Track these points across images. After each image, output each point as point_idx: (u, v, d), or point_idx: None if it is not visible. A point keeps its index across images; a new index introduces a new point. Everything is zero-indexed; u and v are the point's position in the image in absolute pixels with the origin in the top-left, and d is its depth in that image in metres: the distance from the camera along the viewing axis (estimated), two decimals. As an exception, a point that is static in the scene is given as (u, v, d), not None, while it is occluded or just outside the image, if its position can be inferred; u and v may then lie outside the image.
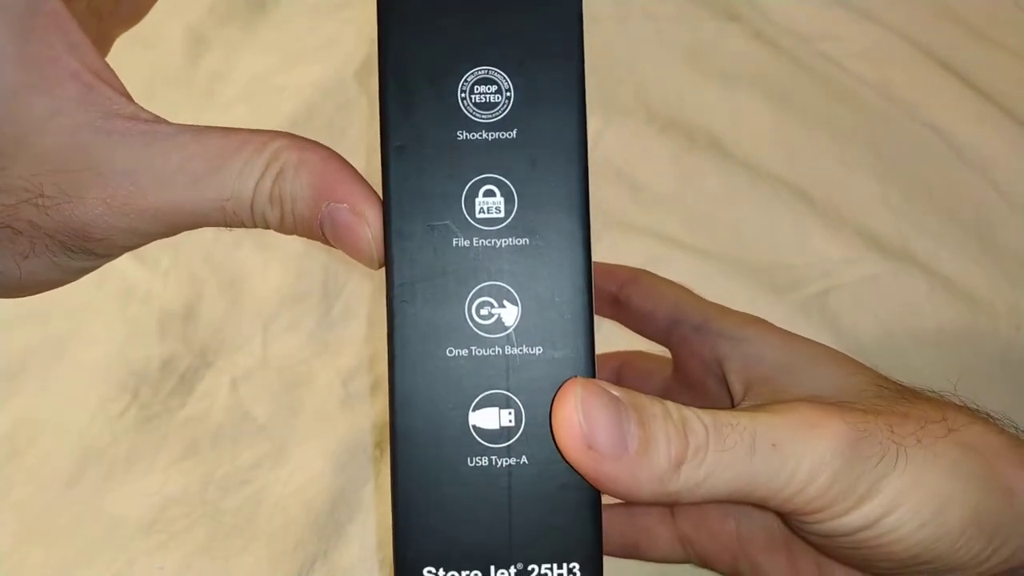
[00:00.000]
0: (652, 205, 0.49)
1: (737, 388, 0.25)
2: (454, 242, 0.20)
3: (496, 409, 0.20)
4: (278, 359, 0.44)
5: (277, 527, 0.39)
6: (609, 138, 0.51)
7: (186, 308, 0.47)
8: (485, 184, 0.20)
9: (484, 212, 0.20)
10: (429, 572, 0.20)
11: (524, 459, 0.20)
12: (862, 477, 0.19)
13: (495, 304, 0.20)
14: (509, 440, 0.20)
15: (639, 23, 0.57)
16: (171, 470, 0.40)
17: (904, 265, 0.46)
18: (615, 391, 0.20)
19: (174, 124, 0.20)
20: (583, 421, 0.19)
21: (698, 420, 0.20)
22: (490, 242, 0.20)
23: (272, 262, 0.48)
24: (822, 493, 0.19)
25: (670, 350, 0.30)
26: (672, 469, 0.19)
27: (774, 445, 0.19)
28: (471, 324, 0.20)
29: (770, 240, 0.48)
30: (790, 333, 0.26)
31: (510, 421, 0.20)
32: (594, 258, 0.21)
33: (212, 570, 0.38)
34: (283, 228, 0.21)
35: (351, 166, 0.21)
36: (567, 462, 0.20)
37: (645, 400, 0.20)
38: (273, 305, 0.47)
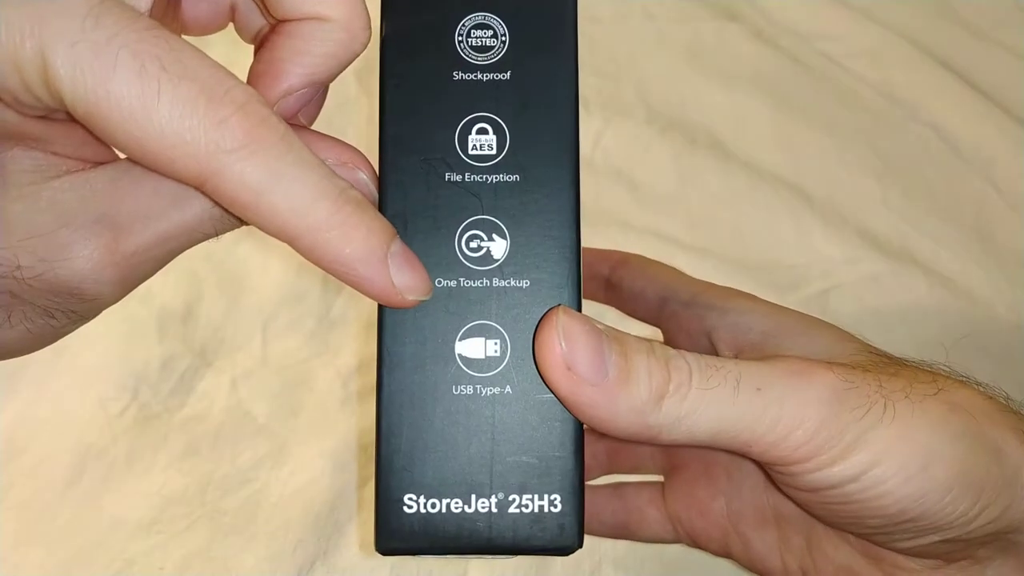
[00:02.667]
0: (652, 205, 0.49)
1: (726, 355, 0.25)
2: (447, 176, 0.21)
3: (483, 339, 0.21)
4: (278, 359, 0.44)
5: (277, 527, 0.39)
6: (609, 138, 0.51)
7: (186, 307, 0.47)
8: (478, 122, 0.21)
9: (477, 149, 0.21)
10: (410, 499, 0.20)
11: (508, 388, 0.21)
12: (848, 427, 0.19)
13: (484, 238, 0.21)
14: (494, 370, 0.21)
15: (639, 23, 0.57)
16: (171, 470, 0.40)
17: (904, 265, 0.46)
18: (599, 325, 0.20)
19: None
20: (564, 344, 0.19)
21: (681, 358, 0.20)
22: (482, 178, 0.21)
23: (272, 261, 0.48)
24: (807, 441, 0.19)
25: (661, 329, 0.30)
26: (653, 402, 0.19)
27: (759, 389, 0.19)
28: (460, 256, 0.21)
29: (770, 240, 0.48)
30: (775, 304, 0.26)
31: (496, 351, 0.21)
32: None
33: (212, 570, 0.38)
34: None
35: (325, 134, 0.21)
36: (548, 388, 0.20)
37: (629, 336, 0.20)
38: (273, 305, 0.47)
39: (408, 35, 0.21)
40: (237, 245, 0.47)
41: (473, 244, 0.21)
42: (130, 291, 0.20)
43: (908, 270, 0.46)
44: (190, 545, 0.38)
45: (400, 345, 0.21)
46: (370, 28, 0.19)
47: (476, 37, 0.21)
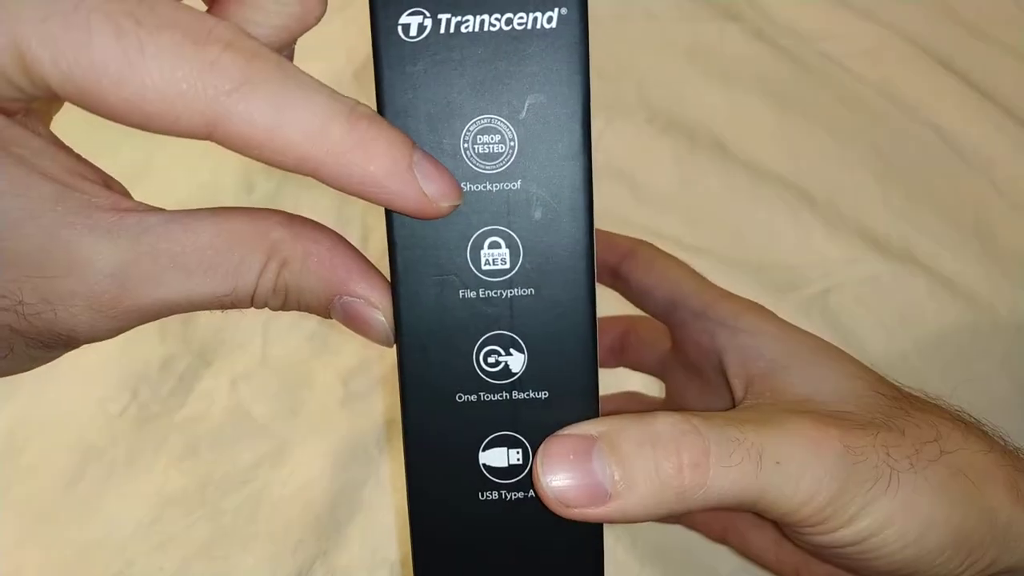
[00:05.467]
0: (653, 204, 0.49)
1: (737, 385, 0.25)
2: (461, 294, 0.20)
3: (504, 449, 0.21)
4: (278, 359, 0.44)
5: (277, 527, 0.39)
6: (610, 138, 0.51)
7: (186, 308, 0.47)
8: (490, 236, 0.20)
9: (490, 264, 0.20)
10: None
11: (532, 492, 0.21)
12: (855, 499, 0.20)
13: (502, 352, 0.21)
14: (517, 476, 0.21)
15: (639, 23, 0.57)
16: (171, 470, 0.40)
17: (904, 265, 0.46)
18: (595, 429, 0.20)
19: (161, 212, 0.19)
20: (554, 485, 0.20)
21: (698, 434, 0.20)
22: (496, 293, 0.20)
23: (272, 262, 0.48)
24: (818, 511, 0.20)
25: (669, 329, 0.30)
26: (666, 495, 0.19)
27: (778, 463, 0.20)
28: (479, 372, 0.21)
29: (770, 240, 0.48)
30: (788, 324, 0.26)
31: (518, 459, 0.21)
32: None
33: (212, 570, 0.38)
34: (285, 309, 0.21)
35: (357, 251, 0.21)
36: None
37: (630, 429, 0.20)
38: (273, 305, 0.47)
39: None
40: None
41: (491, 359, 0.21)
42: (128, 329, 0.20)
43: (908, 270, 0.46)
44: (190, 545, 0.38)
45: (426, 458, 0.21)
46: (325, 2, 0.18)
47: (483, 143, 0.20)
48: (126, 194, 0.19)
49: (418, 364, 0.21)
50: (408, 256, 0.20)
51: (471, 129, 0.20)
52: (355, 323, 0.20)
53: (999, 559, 0.21)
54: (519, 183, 0.20)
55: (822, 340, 0.26)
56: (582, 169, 0.20)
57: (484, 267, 0.20)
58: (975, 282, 0.46)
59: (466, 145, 0.20)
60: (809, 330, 0.26)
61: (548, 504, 0.20)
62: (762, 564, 0.27)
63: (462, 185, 0.20)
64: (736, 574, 0.36)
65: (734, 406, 0.25)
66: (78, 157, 0.19)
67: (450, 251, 0.20)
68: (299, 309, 0.21)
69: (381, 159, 0.17)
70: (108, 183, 0.19)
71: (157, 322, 0.49)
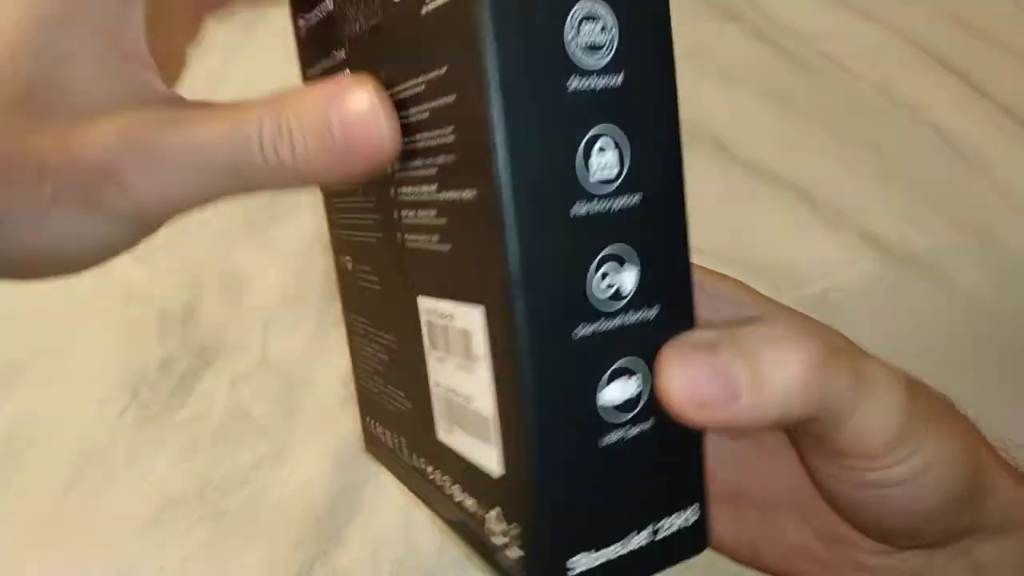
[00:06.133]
0: (652, 205, 0.49)
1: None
2: (571, 213, 0.18)
3: (622, 380, 0.19)
4: (278, 359, 0.44)
5: (277, 527, 0.39)
6: (609, 138, 0.51)
7: (185, 308, 0.47)
8: (599, 138, 0.18)
9: (599, 171, 0.18)
10: (580, 556, 0.19)
11: (651, 421, 0.19)
12: (914, 436, 0.20)
13: (616, 269, 0.19)
14: (637, 407, 0.19)
15: (639, 23, 0.57)
16: (171, 470, 0.40)
17: (904, 265, 0.46)
18: (711, 334, 0.19)
19: (198, 104, 0.20)
20: (684, 394, 0.19)
21: (816, 338, 0.20)
22: (606, 205, 0.18)
23: (272, 262, 0.48)
24: (887, 442, 0.20)
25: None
26: (792, 389, 0.19)
27: (871, 384, 0.20)
28: (594, 298, 0.18)
29: (770, 240, 0.48)
30: (761, 295, 0.25)
31: (637, 388, 0.19)
32: None
33: (212, 570, 0.38)
34: (296, 159, 0.19)
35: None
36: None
37: (748, 331, 0.20)
38: (273, 305, 0.47)
39: (512, 36, 0.17)
40: (237, 245, 0.47)
41: (605, 282, 0.19)
42: (164, 211, 0.20)
43: (908, 270, 0.46)
44: (190, 545, 0.38)
45: (547, 411, 0.18)
46: None
47: (586, 33, 0.18)
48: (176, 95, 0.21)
49: (533, 306, 0.18)
50: (517, 170, 0.17)
51: (576, 14, 0.17)
52: (353, 131, 0.19)
53: (987, 510, 0.22)
54: (622, 76, 0.18)
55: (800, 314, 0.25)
56: (670, 52, 0.19)
57: (593, 177, 0.18)
58: (975, 282, 0.46)
59: (570, 36, 0.18)
60: None
61: (681, 411, 0.19)
62: (717, 546, 0.27)
63: (568, 83, 0.18)
64: None
65: None
66: (147, 56, 0.21)
67: (561, 159, 0.18)
68: (304, 147, 0.19)
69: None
70: (161, 85, 0.21)
71: (157, 323, 0.49)
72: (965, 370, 0.42)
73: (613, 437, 0.19)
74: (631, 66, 0.18)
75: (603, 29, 0.18)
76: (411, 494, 0.25)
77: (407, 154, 0.20)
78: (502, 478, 0.19)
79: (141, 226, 0.20)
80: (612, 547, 0.19)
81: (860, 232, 0.48)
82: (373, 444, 0.28)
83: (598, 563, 0.19)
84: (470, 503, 0.21)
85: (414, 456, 0.24)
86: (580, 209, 0.18)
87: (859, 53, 0.55)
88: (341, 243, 0.27)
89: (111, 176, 0.19)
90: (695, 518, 0.21)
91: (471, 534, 0.21)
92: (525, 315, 0.18)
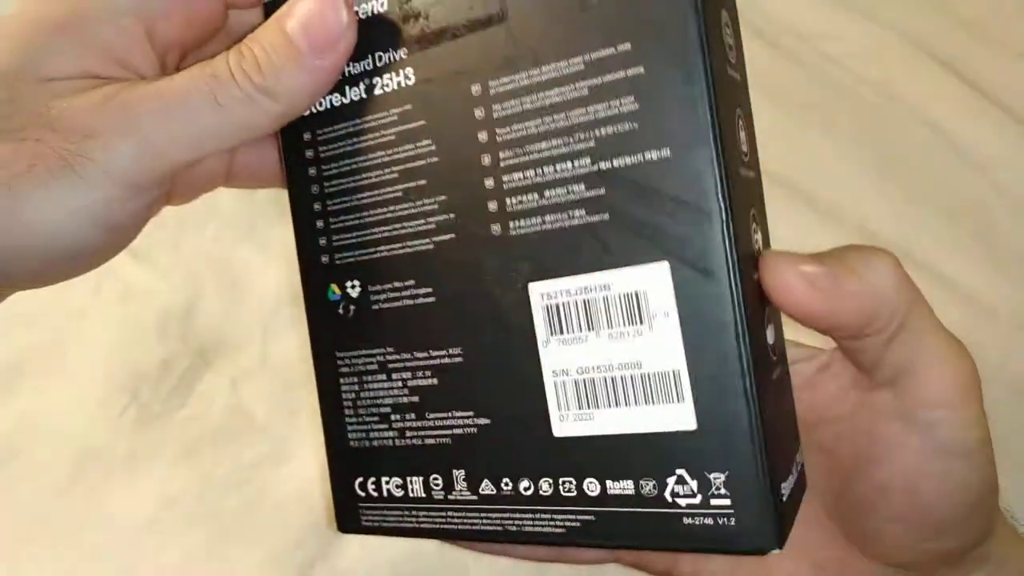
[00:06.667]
0: (652, 205, 0.49)
1: None
2: (740, 173, 0.21)
3: (771, 324, 0.22)
4: (278, 359, 0.44)
5: (277, 527, 0.39)
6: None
7: (185, 308, 0.47)
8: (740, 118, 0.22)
9: (744, 146, 0.22)
10: (782, 486, 0.21)
11: (782, 366, 0.23)
12: (979, 399, 0.23)
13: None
14: (778, 351, 0.22)
15: (639, 23, 0.57)
16: (171, 470, 0.40)
17: (904, 265, 0.46)
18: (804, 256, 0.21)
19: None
20: (793, 273, 0.20)
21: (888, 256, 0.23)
22: (749, 172, 0.22)
23: (272, 262, 0.48)
24: (964, 386, 0.22)
25: None
26: (885, 282, 0.22)
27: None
28: (757, 243, 0.22)
29: (770, 240, 0.48)
30: None
31: (774, 333, 0.22)
32: None
33: (212, 570, 0.38)
34: (266, 76, 0.20)
35: None
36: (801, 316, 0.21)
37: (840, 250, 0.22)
38: (273, 305, 0.47)
39: (707, 18, 0.20)
40: (237, 245, 0.47)
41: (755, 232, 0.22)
42: (147, 170, 0.20)
43: (908, 270, 0.46)
44: (190, 545, 0.38)
45: (751, 341, 0.20)
46: None
47: (728, 34, 0.22)
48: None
49: (733, 253, 0.19)
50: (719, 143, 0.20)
51: (724, 17, 0.23)
52: (311, 25, 0.21)
53: (984, 528, 0.23)
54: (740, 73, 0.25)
55: None
56: None
57: (743, 145, 0.22)
58: (975, 282, 0.46)
59: (727, 32, 0.23)
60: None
61: (788, 291, 0.20)
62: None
63: (727, 71, 0.22)
64: None
65: None
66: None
67: (733, 135, 0.21)
68: (266, 63, 0.21)
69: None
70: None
71: (156, 322, 0.49)
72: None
73: (775, 374, 0.21)
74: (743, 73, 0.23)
75: (731, 33, 0.22)
76: (453, 542, 0.24)
77: (531, 137, 0.21)
78: (695, 432, 0.20)
79: (129, 188, 0.20)
80: (789, 479, 0.21)
81: (860, 232, 0.48)
82: (374, 510, 0.26)
83: (786, 494, 0.20)
84: (620, 485, 0.21)
85: (486, 483, 0.23)
86: (745, 172, 0.21)
87: (859, 53, 0.55)
88: (337, 269, 0.24)
89: (93, 136, 0.19)
90: (802, 460, 0.23)
91: (608, 527, 0.21)
92: (728, 261, 0.19)
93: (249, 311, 0.46)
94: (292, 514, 0.39)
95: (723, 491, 0.20)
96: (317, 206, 0.24)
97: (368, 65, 0.23)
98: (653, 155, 0.19)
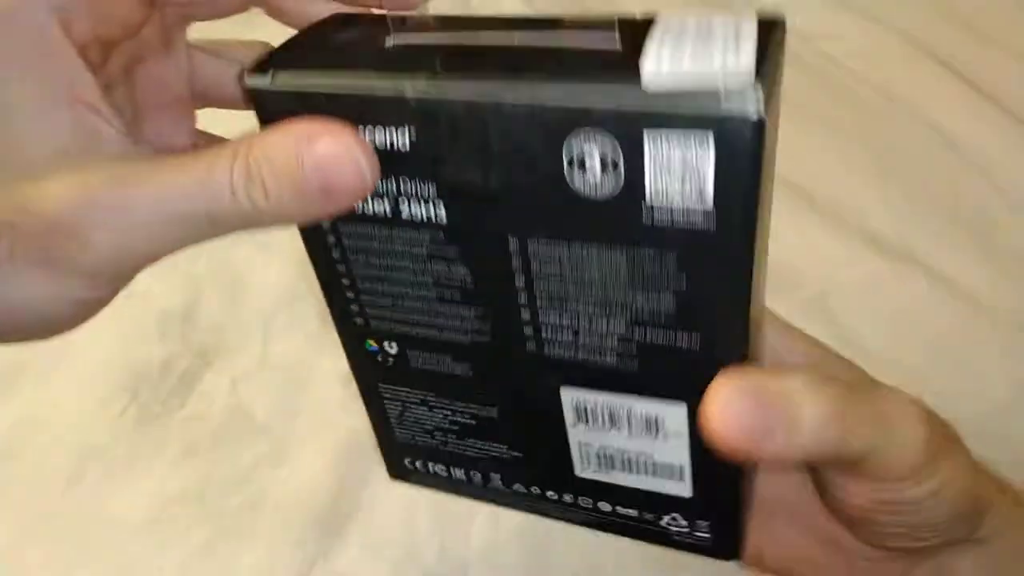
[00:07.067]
0: (652, 205, 0.49)
1: None
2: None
3: None
4: (278, 359, 0.44)
5: (277, 527, 0.39)
6: (609, 138, 0.51)
7: (185, 308, 0.47)
8: None
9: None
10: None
11: None
12: (936, 457, 0.22)
13: None
14: None
15: (639, 23, 0.57)
16: (171, 470, 0.40)
17: (904, 265, 0.46)
18: (754, 378, 0.21)
19: (159, 156, 0.20)
20: (726, 424, 0.20)
21: (827, 398, 0.21)
22: None
23: (272, 262, 0.48)
24: (911, 469, 0.21)
25: None
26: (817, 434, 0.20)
27: (888, 422, 0.21)
28: None
29: (770, 240, 0.48)
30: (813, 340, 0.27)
31: None
32: None
33: (212, 570, 0.38)
34: (270, 202, 0.19)
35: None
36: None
37: (790, 381, 0.21)
38: (273, 305, 0.47)
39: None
40: (237, 246, 0.47)
41: None
42: (126, 261, 0.20)
43: (908, 270, 0.46)
44: (190, 545, 0.38)
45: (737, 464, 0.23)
46: None
47: (766, 219, 0.23)
48: (130, 140, 0.21)
49: None
50: None
51: None
52: (330, 170, 0.19)
53: (981, 525, 0.24)
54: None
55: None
56: None
57: None
58: (975, 282, 0.46)
59: None
60: (808, 330, 0.26)
61: (723, 441, 0.20)
62: None
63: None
64: None
65: None
66: (100, 96, 0.20)
67: None
68: (285, 201, 0.20)
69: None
70: (121, 128, 0.20)
71: (157, 322, 0.49)
72: (965, 371, 0.42)
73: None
74: None
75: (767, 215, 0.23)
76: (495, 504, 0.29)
77: (569, 296, 0.22)
78: (689, 498, 0.24)
79: (110, 282, 0.20)
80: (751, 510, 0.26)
81: (860, 232, 0.48)
82: (420, 475, 0.29)
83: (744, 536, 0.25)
84: (628, 511, 0.26)
85: (517, 486, 0.27)
86: (757, 313, 0.22)
87: (859, 53, 0.55)
88: (373, 331, 0.25)
89: (73, 235, 0.19)
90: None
91: (618, 528, 0.27)
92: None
93: (249, 311, 0.46)
94: (292, 514, 0.39)
95: (705, 530, 0.25)
96: (345, 280, 0.24)
97: (394, 187, 0.21)
98: (684, 339, 0.21)
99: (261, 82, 0.20)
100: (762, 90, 0.17)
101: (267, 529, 0.39)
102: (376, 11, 0.21)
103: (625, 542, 0.39)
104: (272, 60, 0.20)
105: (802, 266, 0.46)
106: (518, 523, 0.38)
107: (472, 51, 0.20)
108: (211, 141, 0.25)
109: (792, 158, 0.54)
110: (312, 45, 0.21)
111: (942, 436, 0.22)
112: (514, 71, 0.19)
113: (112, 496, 0.39)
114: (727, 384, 0.20)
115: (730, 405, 0.20)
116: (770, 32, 0.20)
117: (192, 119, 0.25)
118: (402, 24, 0.21)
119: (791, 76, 0.56)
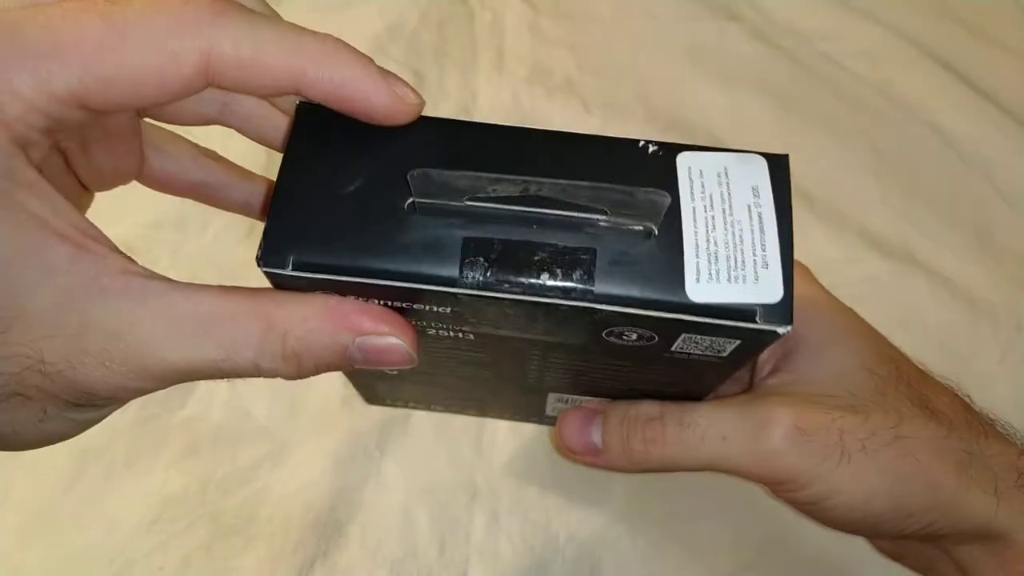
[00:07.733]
0: (652, 205, 0.49)
1: (764, 363, 0.29)
2: None
3: None
4: (278, 359, 0.44)
5: (277, 527, 0.39)
6: (609, 138, 0.51)
7: (186, 308, 0.47)
8: None
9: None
10: None
11: None
12: (806, 471, 0.25)
13: None
14: None
15: (639, 23, 0.57)
16: (171, 470, 0.40)
17: (904, 265, 0.46)
18: (600, 405, 0.28)
19: (166, 281, 0.20)
20: (564, 438, 0.29)
21: (660, 419, 0.27)
22: None
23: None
24: (773, 477, 0.25)
25: None
26: (631, 456, 0.27)
27: (724, 439, 0.26)
28: None
29: (770, 240, 0.48)
30: (825, 293, 0.31)
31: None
32: None
33: (212, 570, 0.38)
34: (304, 374, 0.20)
35: (353, 301, 0.21)
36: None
37: (615, 410, 0.28)
38: (273, 305, 0.47)
39: None
40: (237, 246, 0.47)
41: None
42: (151, 392, 0.21)
43: (908, 270, 0.46)
44: (190, 545, 0.38)
45: None
46: None
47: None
48: (131, 260, 0.20)
49: None
50: None
51: None
52: (379, 358, 0.21)
53: (937, 522, 0.26)
54: None
55: (857, 321, 0.30)
56: None
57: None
58: (975, 282, 0.46)
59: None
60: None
61: (566, 452, 0.29)
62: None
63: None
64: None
65: (750, 386, 0.29)
66: (89, 222, 0.20)
67: None
68: (320, 370, 0.21)
69: (353, 64, 0.20)
70: (114, 248, 0.20)
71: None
72: (964, 371, 0.42)
73: None
74: None
75: None
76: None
77: (578, 376, 0.27)
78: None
79: (117, 406, 0.21)
80: None
81: (860, 232, 0.48)
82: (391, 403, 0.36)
83: None
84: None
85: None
86: None
87: (859, 53, 0.55)
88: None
89: (98, 395, 0.19)
90: None
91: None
92: None
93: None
94: (292, 514, 0.39)
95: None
96: None
97: (424, 323, 0.22)
98: (669, 392, 0.27)
99: (279, 268, 0.19)
100: (790, 306, 0.20)
101: (267, 529, 0.39)
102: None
103: (626, 543, 0.40)
104: (281, 235, 0.19)
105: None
106: (518, 523, 0.38)
107: (512, 245, 0.19)
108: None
109: (792, 158, 0.54)
110: (315, 203, 0.20)
111: (836, 446, 0.25)
112: (565, 269, 0.19)
113: (112, 496, 0.39)
114: (572, 413, 0.28)
115: (566, 435, 0.28)
116: (776, 168, 0.24)
117: (139, 140, 0.25)
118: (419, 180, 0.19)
119: (791, 76, 0.55)
